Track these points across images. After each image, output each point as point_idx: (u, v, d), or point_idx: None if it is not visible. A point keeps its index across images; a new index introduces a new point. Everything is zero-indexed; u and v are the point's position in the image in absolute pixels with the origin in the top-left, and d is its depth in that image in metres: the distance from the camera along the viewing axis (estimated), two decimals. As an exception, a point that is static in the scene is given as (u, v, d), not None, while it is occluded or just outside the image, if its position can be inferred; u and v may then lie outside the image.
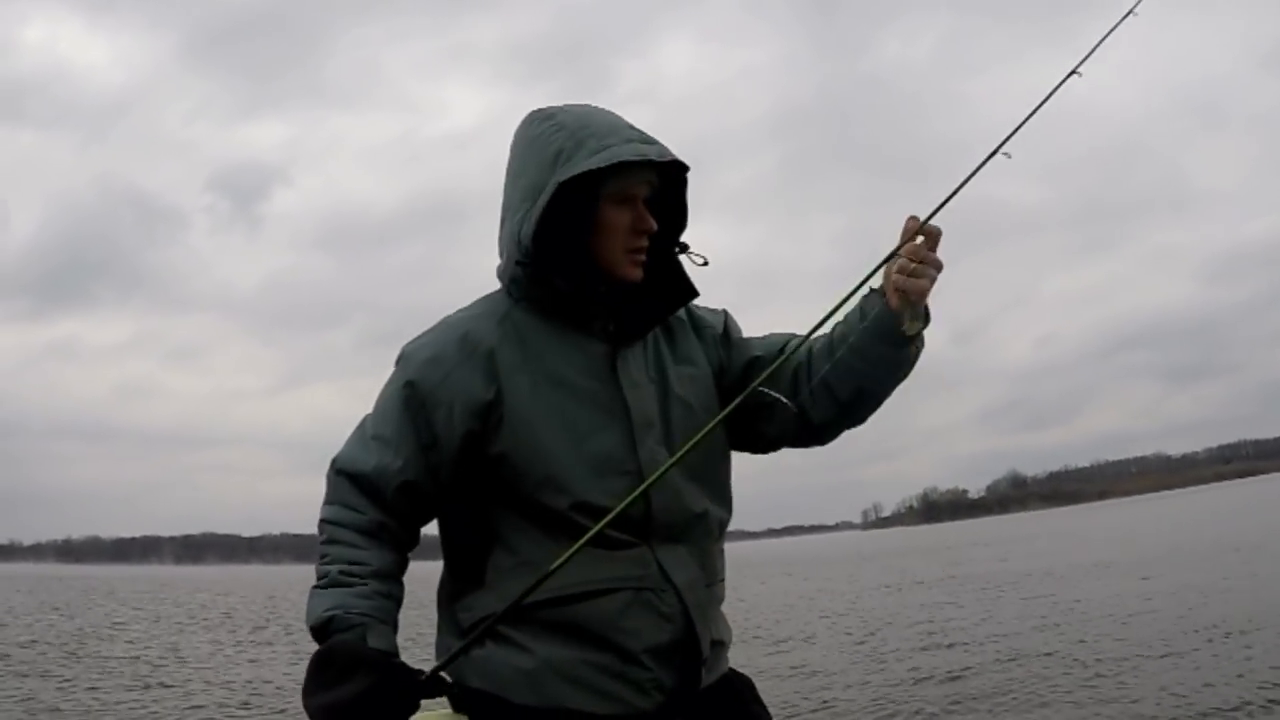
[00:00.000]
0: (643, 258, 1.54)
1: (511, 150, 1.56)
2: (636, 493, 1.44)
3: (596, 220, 1.50)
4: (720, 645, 1.57)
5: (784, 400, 1.51)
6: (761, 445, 1.67)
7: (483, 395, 1.47)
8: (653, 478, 1.45)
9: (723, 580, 1.61)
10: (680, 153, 1.54)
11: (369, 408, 1.56)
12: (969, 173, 1.49)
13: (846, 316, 1.53)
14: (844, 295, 1.50)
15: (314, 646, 1.41)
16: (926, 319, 1.50)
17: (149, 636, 16.72)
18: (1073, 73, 1.59)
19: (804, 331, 1.57)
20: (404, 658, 1.44)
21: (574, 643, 1.44)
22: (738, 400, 1.51)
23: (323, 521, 1.50)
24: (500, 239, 1.57)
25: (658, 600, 1.47)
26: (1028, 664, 8.72)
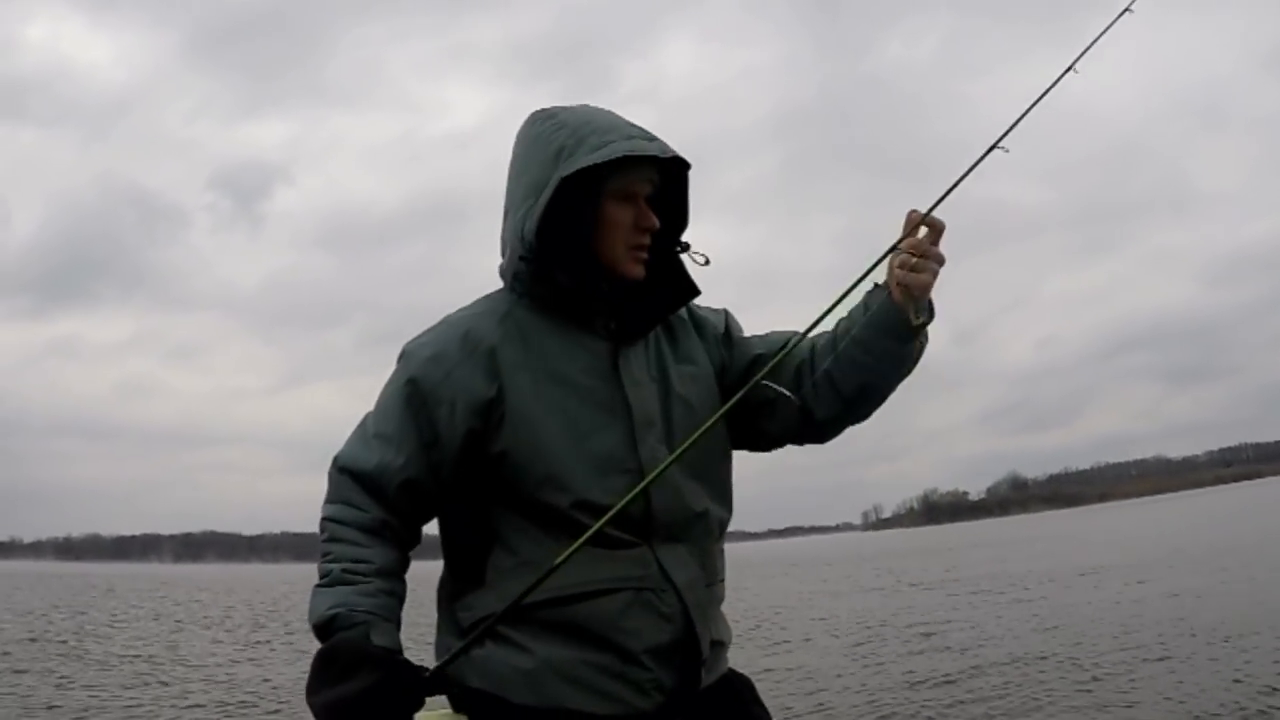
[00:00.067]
0: (645, 255, 1.54)
1: (514, 150, 1.57)
2: (637, 490, 1.44)
3: (599, 217, 1.51)
4: (720, 645, 1.57)
5: (787, 394, 1.51)
6: (764, 443, 1.67)
7: (484, 393, 1.47)
8: (653, 474, 1.44)
9: (723, 580, 1.61)
10: (682, 153, 1.54)
11: (370, 407, 1.56)
12: (967, 168, 1.49)
13: (850, 311, 1.53)
14: (845, 289, 1.50)
15: (315, 645, 1.41)
16: (931, 313, 1.50)
17: (148, 634, 16.72)
18: (1070, 69, 1.59)
19: (803, 328, 1.58)
20: (405, 657, 1.44)
21: (574, 643, 1.44)
22: (739, 395, 1.51)
23: (325, 520, 1.49)
24: (502, 237, 1.57)
25: (658, 600, 1.47)
26: (1026, 667, 8.72)
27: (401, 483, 1.48)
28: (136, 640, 15.53)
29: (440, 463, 1.49)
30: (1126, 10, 1.68)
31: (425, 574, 1.57)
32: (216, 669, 11.89)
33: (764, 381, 1.51)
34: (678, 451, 1.46)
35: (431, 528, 1.57)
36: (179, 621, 19.95)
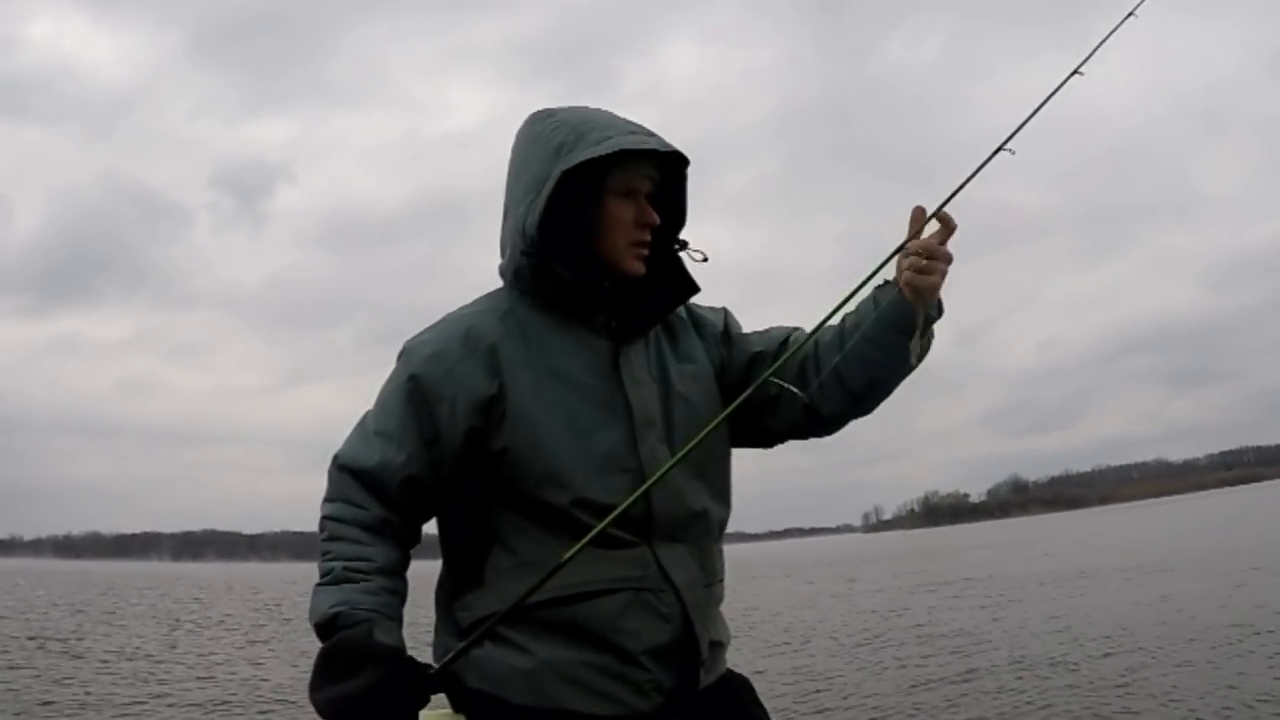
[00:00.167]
0: (645, 252, 1.55)
1: (513, 150, 1.57)
2: (640, 490, 1.43)
3: (600, 214, 1.51)
4: (719, 646, 1.56)
5: (795, 391, 1.51)
6: (767, 439, 1.68)
7: (485, 390, 1.47)
8: (656, 475, 1.44)
9: (722, 580, 1.61)
10: (684, 152, 1.54)
11: (370, 406, 1.55)
12: (973, 169, 1.50)
13: (858, 307, 1.54)
14: (854, 287, 1.51)
15: (315, 644, 1.40)
16: (940, 310, 1.51)
17: (146, 633, 16.73)
18: (1075, 72, 1.60)
19: (806, 326, 1.59)
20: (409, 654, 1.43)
21: (573, 643, 1.44)
22: (748, 392, 1.52)
23: (325, 518, 1.49)
24: (502, 237, 1.57)
25: (657, 601, 1.46)
26: (1026, 669, 8.72)
27: (403, 480, 1.48)
28: (135, 639, 15.53)
29: (441, 460, 1.48)
30: (1131, 15, 1.70)
31: (424, 573, 1.56)
32: (215, 668, 11.89)
33: (771, 379, 1.51)
34: (682, 453, 1.46)
35: (430, 527, 1.57)
36: (178, 620, 19.95)
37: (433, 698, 1.43)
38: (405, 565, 1.51)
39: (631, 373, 1.53)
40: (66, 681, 10.34)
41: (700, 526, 1.54)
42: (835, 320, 1.55)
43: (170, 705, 9.09)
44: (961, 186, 1.48)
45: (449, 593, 1.54)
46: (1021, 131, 1.54)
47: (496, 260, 1.60)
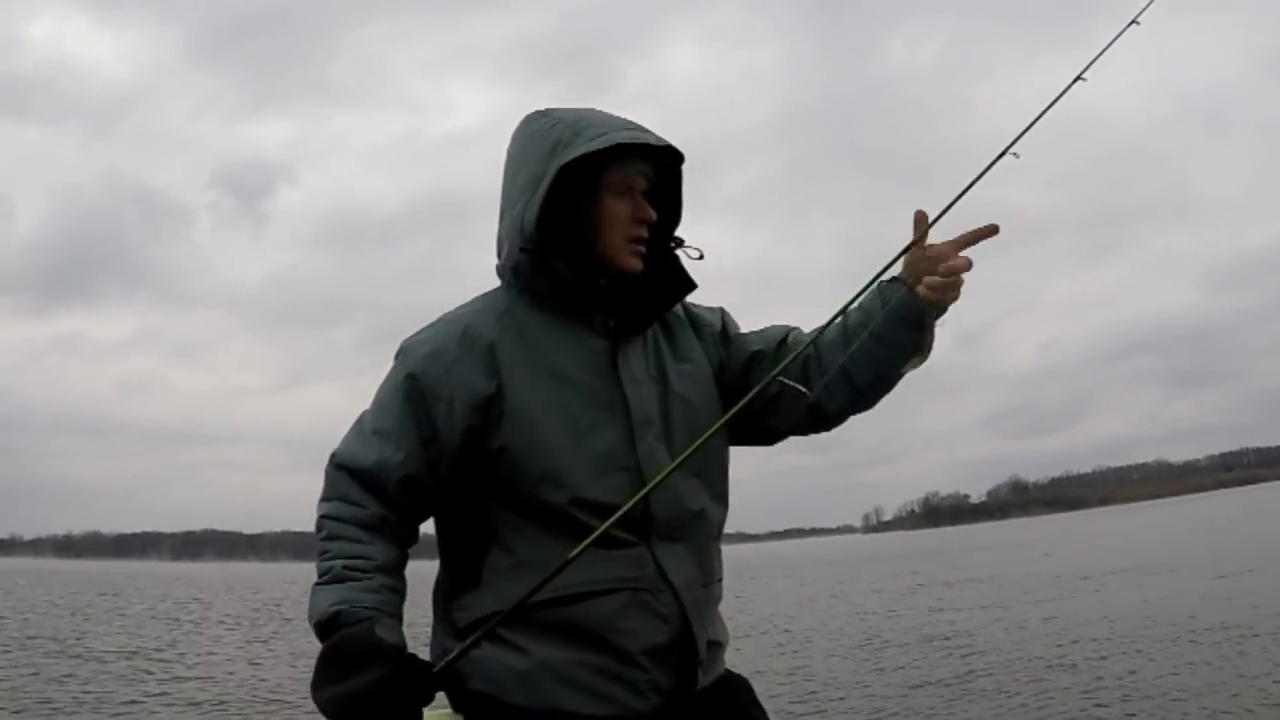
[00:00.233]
0: (643, 248, 1.55)
1: (509, 149, 1.57)
2: (644, 491, 1.43)
3: (597, 211, 1.51)
4: (717, 646, 1.56)
5: (801, 389, 1.51)
6: (769, 437, 1.68)
7: (483, 389, 1.47)
8: (659, 478, 1.44)
9: (720, 580, 1.61)
10: (685, 155, 1.56)
11: (369, 406, 1.55)
12: (978, 173, 1.51)
13: (862, 304, 1.55)
14: (859, 288, 1.53)
15: (314, 643, 1.40)
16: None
17: (146, 633, 16.72)
18: (1078, 78, 1.62)
19: (806, 327, 1.61)
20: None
21: (570, 644, 1.44)
22: (755, 391, 1.52)
23: (323, 518, 1.48)
24: (498, 237, 1.57)
25: (655, 601, 1.46)
26: (1026, 670, 8.72)
27: (401, 479, 1.47)
28: (135, 638, 15.52)
29: (438, 460, 1.48)
30: (1133, 23, 1.71)
31: (421, 573, 1.56)
32: (214, 667, 11.89)
33: (779, 378, 1.51)
34: (684, 455, 1.46)
35: (428, 527, 1.57)
36: (178, 620, 19.95)
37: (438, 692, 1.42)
38: (404, 563, 1.51)
39: (630, 372, 1.53)
40: (66, 681, 10.33)
41: (698, 526, 1.53)
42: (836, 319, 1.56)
43: (170, 705, 9.08)
44: (965, 191, 1.50)
45: (446, 593, 1.54)
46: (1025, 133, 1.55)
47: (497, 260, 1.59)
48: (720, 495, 1.59)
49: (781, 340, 1.63)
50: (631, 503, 1.42)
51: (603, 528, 1.41)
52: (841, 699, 8.16)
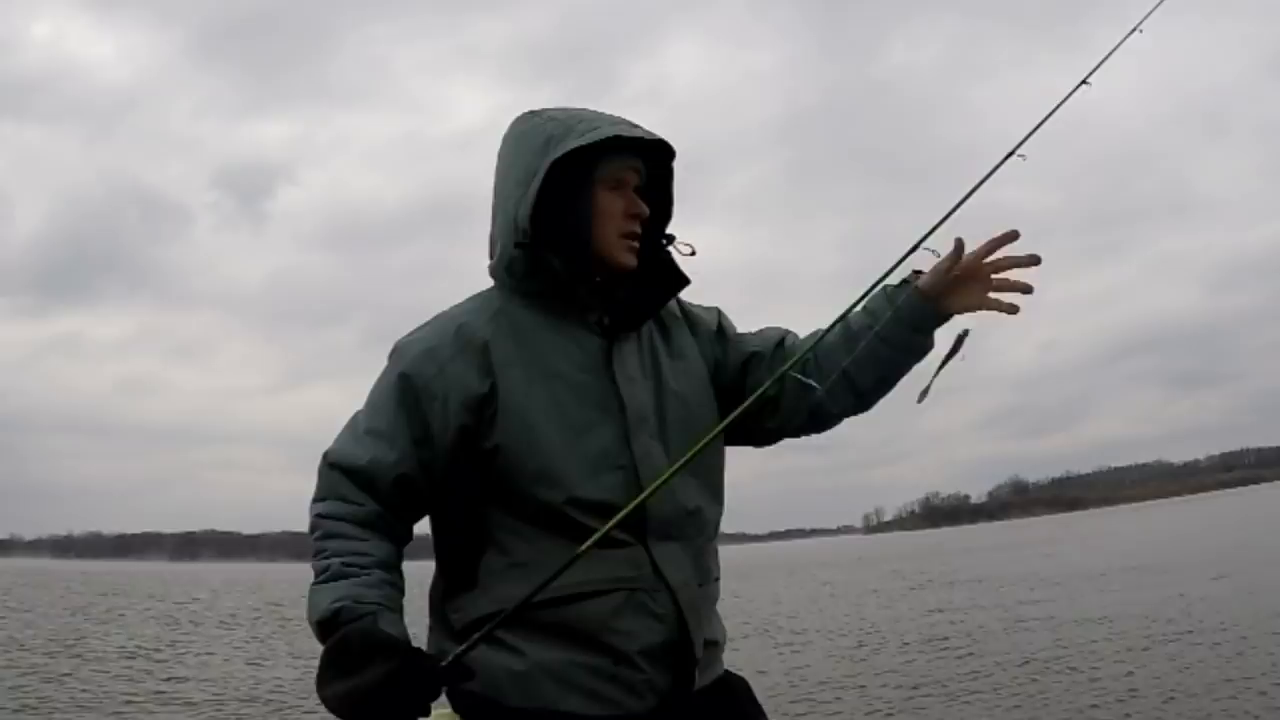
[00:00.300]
0: (636, 244, 1.55)
1: (501, 149, 1.57)
2: (648, 493, 1.43)
3: (590, 206, 1.51)
4: (714, 645, 1.55)
5: (813, 384, 1.53)
6: (765, 438, 1.68)
7: (477, 389, 1.46)
8: (661, 480, 1.43)
9: (717, 579, 1.60)
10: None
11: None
12: (984, 174, 1.53)
13: (866, 308, 1.56)
14: (863, 291, 1.55)
15: (314, 642, 1.39)
16: None
17: (145, 633, 16.72)
18: (1083, 83, 1.64)
19: (806, 328, 1.62)
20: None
21: (567, 644, 1.43)
22: (770, 382, 1.54)
23: (318, 516, 1.47)
24: (491, 237, 1.57)
25: (651, 601, 1.46)
26: (1025, 670, 8.72)
27: (394, 479, 1.47)
28: (135, 639, 15.53)
29: (432, 459, 1.48)
30: (1136, 30, 1.74)
31: (418, 574, 1.55)
32: (213, 667, 11.89)
33: (791, 373, 1.53)
34: (685, 459, 1.45)
35: (422, 527, 1.56)
36: (177, 620, 19.95)
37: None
38: (401, 560, 1.50)
39: (624, 370, 1.53)
40: (66, 681, 10.33)
41: (694, 525, 1.53)
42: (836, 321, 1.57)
43: (170, 705, 9.08)
44: (971, 192, 1.52)
45: (442, 595, 1.53)
46: (1023, 135, 1.57)
47: None
48: (716, 494, 1.59)
49: (778, 343, 1.64)
50: (635, 503, 1.42)
51: (607, 527, 1.40)
52: (841, 699, 8.17)
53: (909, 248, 1.51)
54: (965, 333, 1.52)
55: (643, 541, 1.47)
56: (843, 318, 1.56)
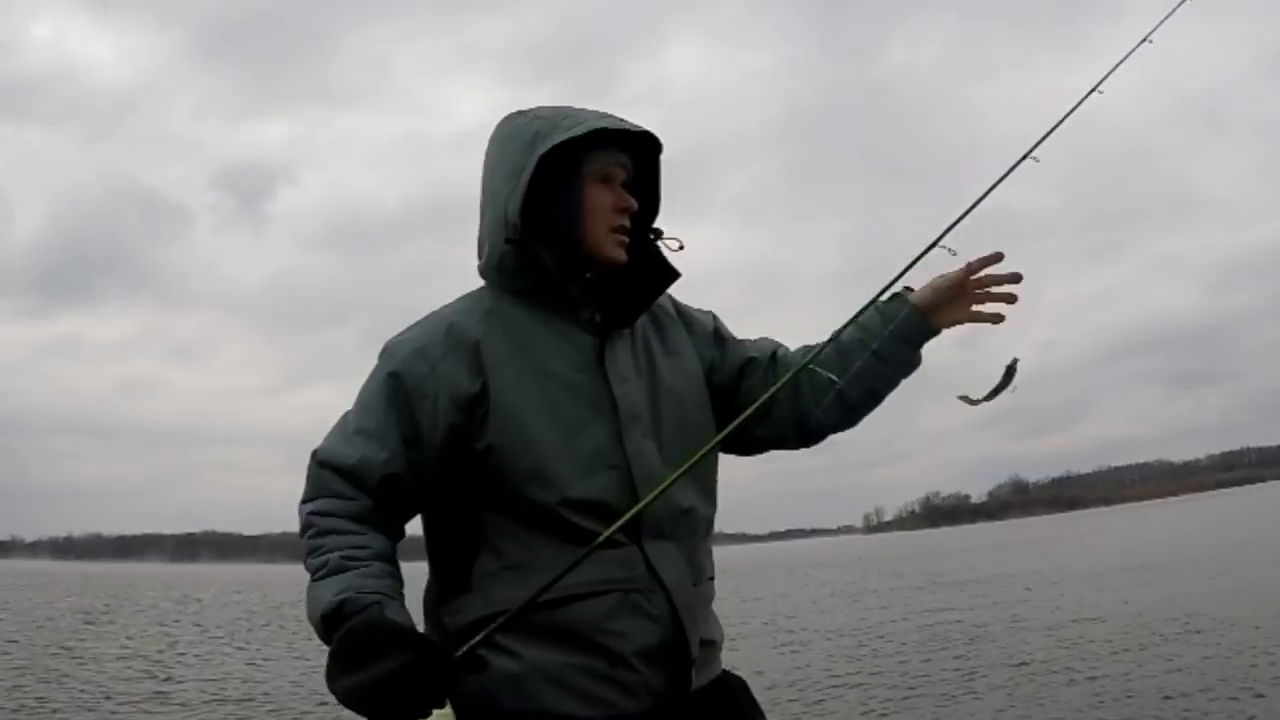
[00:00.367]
0: (625, 238, 1.55)
1: (488, 149, 1.57)
2: (647, 500, 1.42)
3: (579, 202, 1.51)
4: (711, 645, 1.54)
5: (834, 377, 1.53)
6: (751, 447, 1.67)
7: (469, 388, 1.45)
8: (661, 488, 1.43)
9: (712, 579, 1.59)
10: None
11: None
12: (998, 176, 1.55)
13: (859, 323, 1.56)
14: (871, 298, 1.56)
15: (314, 641, 1.39)
16: None
17: (144, 633, 16.71)
18: (1094, 90, 1.67)
19: (801, 338, 1.64)
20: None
21: (562, 646, 1.43)
22: (788, 377, 1.54)
23: (311, 514, 1.46)
24: (479, 237, 1.57)
25: (645, 601, 1.45)
26: (1026, 669, 8.70)
27: (384, 478, 1.46)
28: (135, 639, 15.52)
29: (422, 459, 1.47)
30: (1145, 40, 1.76)
31: (410, 576, 1.55)
32: (213, 667, 11.88)
33: (812, 366, 1.54)
34: (686, 466, 1.45)
35: (413, 529, 1.55)
36: (177, 620, 19.94)
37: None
38: (396, 554, 1.49)
39: (617, 368, 1.52)
40: (66, 681, 10.32)
41: (688, 525, 1.53)
42: (824, 337, 1.57)
43: (169, 706, 9.07)
44: (985, 195, 1.53)
45: (436, 598, 1.52)
46: (1028, 135, 1.59)
47: None
48: (709, 493, 1.58)
49: (772, 354, 1.64)
50: (636, 509, 1.41)
51: (610, 530, 1.40)
52: (841, 699, 8.16)
53: (925, 246, 1.52)
54: (1015, 361, 1.50)
55: (637, 542, 1.46)
56: (832, 339, 1.56)
